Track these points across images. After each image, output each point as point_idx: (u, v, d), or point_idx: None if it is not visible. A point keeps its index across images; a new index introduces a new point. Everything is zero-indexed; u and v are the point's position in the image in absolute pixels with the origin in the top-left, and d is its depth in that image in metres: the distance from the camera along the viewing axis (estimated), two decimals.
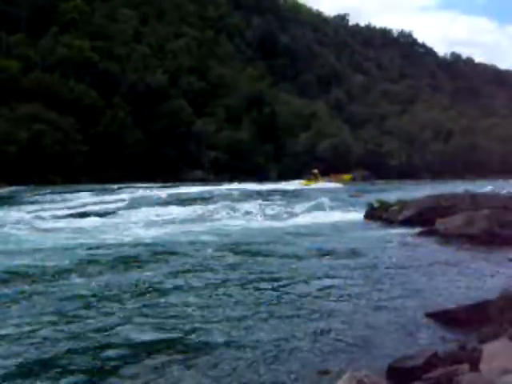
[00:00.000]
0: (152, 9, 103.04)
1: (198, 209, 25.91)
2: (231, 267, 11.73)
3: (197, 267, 11.73)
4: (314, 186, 58.13)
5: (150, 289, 9.63)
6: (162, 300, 8.82)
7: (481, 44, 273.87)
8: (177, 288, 9.71)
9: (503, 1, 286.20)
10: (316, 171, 66.93)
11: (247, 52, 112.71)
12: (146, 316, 7.94)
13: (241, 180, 61.74)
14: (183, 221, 21.91)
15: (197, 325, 7.49)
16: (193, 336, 7.06)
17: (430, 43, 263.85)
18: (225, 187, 48.76)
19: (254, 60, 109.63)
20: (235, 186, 53.50)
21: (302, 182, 63.20)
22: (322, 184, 59.44)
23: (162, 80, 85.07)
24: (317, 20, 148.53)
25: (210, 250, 13.87)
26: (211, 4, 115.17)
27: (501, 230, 15.12)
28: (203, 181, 67.21)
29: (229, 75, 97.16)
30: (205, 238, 16.55)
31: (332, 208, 26.19)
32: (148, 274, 10.90)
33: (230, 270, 11.48)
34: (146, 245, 14.92)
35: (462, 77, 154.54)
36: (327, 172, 70.07)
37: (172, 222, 21.63)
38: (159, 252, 13.72)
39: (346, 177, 72.76)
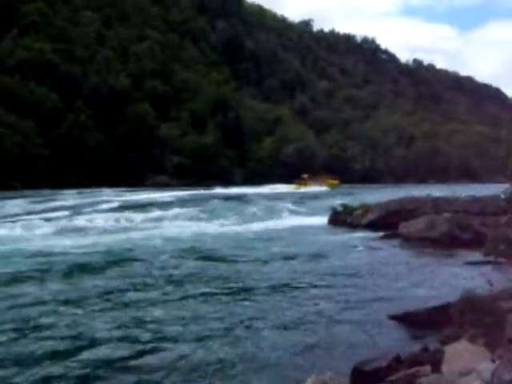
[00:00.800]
0: (115, 11, 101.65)
1: (155, 215, 25.12)
2: (189, 274, 11.53)
3: (155, 273, 11.52)
4: (303, 189, 61.18)
5: (105, 298, 9.37)
6: (120, 311, 8.64)
7: (442, 51, 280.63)
8: (133, 298, 9.48)
9: (464, 8, 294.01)
10: (306, 176, 70.76)
11: (211, 56, 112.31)
12: (106, 326, 7.79)
13: (206, 185, 61.51)
14: (139, 227, 21.34)
15: (156, 334, 7.39)
16: (154, 346, 6.96)
17: (392, 49, 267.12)
18: (201, 192, 48.39)
19: (218, 64, 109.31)
20: (212, 190, 53.32)
21: (292, 186, 66.07)
22: (311, 188, 62.81)
23: (125, 83, 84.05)
24: (281, 25, 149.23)
25: (165, 257, 13.62)
26: (175, 7, 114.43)
27: (461, 233, 15.47)
28: (167, 186, 66.68)
29: (193, 79, 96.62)
30: (161, 243, 16.23)
31: (296, 213, 26.29)
32: (100, 282, 10.60)
33: (188, 277, 11.27)
34: (97, 252, 14.45)
35: (423, 83, 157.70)
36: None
37: (128, 227, 20.99)
38: (112, 260, 13.30)
39: (333, 182, 74.20)
